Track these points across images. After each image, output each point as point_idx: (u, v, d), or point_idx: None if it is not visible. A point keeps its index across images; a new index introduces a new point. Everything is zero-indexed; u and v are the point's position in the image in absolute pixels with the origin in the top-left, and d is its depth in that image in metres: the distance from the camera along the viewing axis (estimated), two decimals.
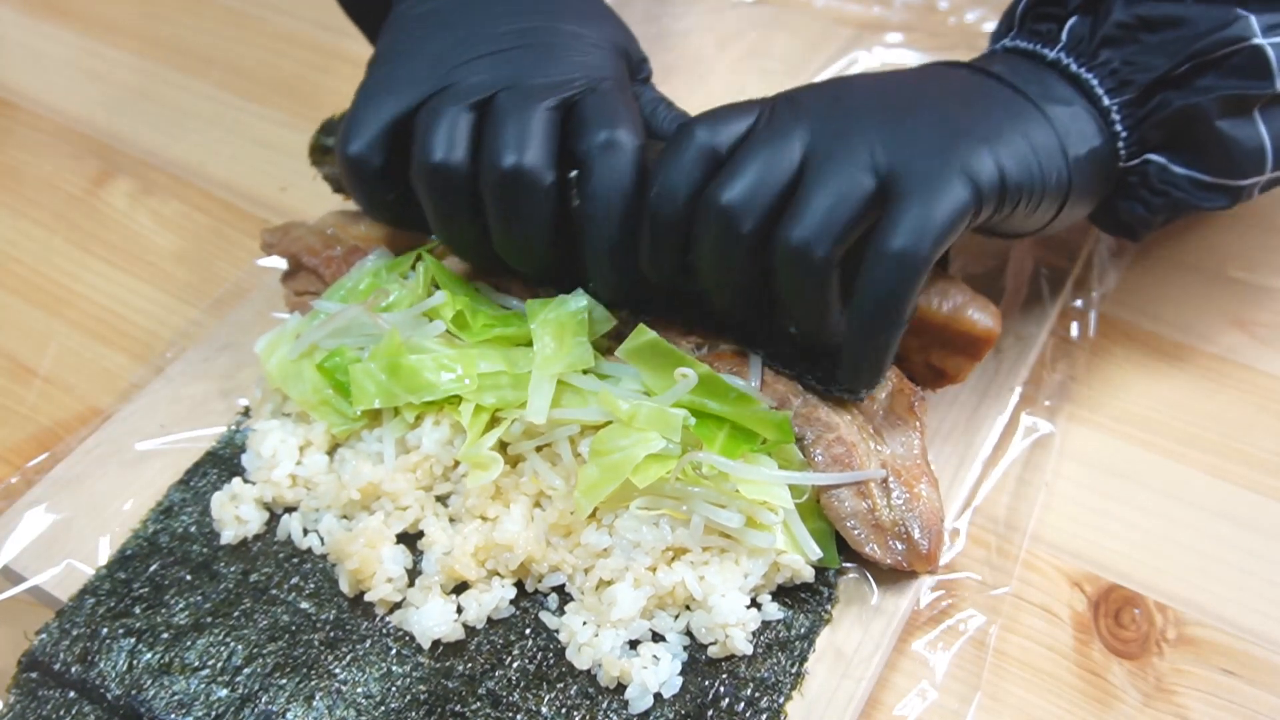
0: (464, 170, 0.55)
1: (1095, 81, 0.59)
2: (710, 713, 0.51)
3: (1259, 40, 0.56)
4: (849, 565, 0.56)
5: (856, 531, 0.54)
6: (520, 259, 0.58)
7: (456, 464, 0.58)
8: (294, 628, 0.55)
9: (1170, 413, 0.66)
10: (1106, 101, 0.58)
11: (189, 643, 0.54)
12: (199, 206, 0.82)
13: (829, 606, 0.55)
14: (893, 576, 0.56)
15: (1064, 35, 0.60)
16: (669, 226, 0.53)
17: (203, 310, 0.74)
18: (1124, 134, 0.59)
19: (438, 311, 0.60)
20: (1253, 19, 0.57)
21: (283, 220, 0.79)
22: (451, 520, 0.58)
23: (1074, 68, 0.59)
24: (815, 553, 0.55)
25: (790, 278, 0.51)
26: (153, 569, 0.57)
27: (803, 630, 0.54)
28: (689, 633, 0.54)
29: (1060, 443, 0.64)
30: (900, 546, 0.54)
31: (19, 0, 1.02)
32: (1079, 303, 0.70)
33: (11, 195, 0.84)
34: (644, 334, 0.56)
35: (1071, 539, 0.60)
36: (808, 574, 0.55)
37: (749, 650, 0.53)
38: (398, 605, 0.56)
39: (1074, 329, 0.69)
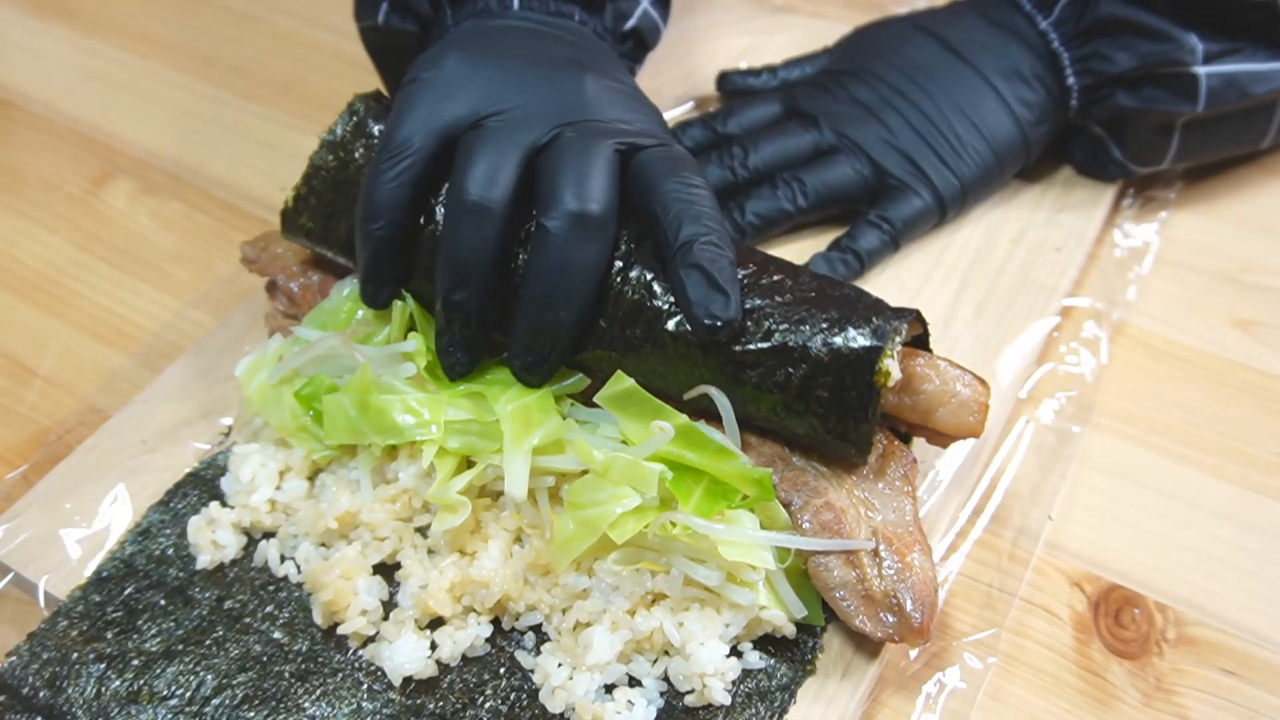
0: (501, 217, 0.54)
1: (1067, 61, 0.72)
2: None
3: (1198, 69, 0.68)
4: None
5: (846, 603, 0.52)
6: (553, 324, 0.55)
7: None
8: (265, 658, 0.54)
9: (1170, 413, 0.66)
10: (1070, 81, 0.72)
11: (159, 670, 0.53)
12: (199, 206, 0.82)
13: (812, 659, 0.54)
14: None
15: (1056, 10, 0.72)
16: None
17: (203, 310, 0.74)
18: (1075, 108, 0.73)
19: (411, 356, 0.58)
20: (1199, 48, 0.68)
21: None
22: (430, 552, 0.57)
23: (1056, 44, 0.72)
24: (800, 611, 0.53)
25: (764, 208, 0.71)
26: (127, 592, 0.56)
27: (784, 681, 0.53)
28: (666, 678, 0.53)
29: (1058, 447, 0.64)
30: (891, 619, 0.52)
31: (19, 0, 1.02)
32: (1088, 333, 0.70)
33: (11, 195, 0.84)
34: (622, 381, 0.54)
35: (1071, 539, 0.60)
36: (790, 630, 0.54)
37: (727, 701, 0.52)
38: (371, 639, 0.55)
39: (1085, 358, 0.68)
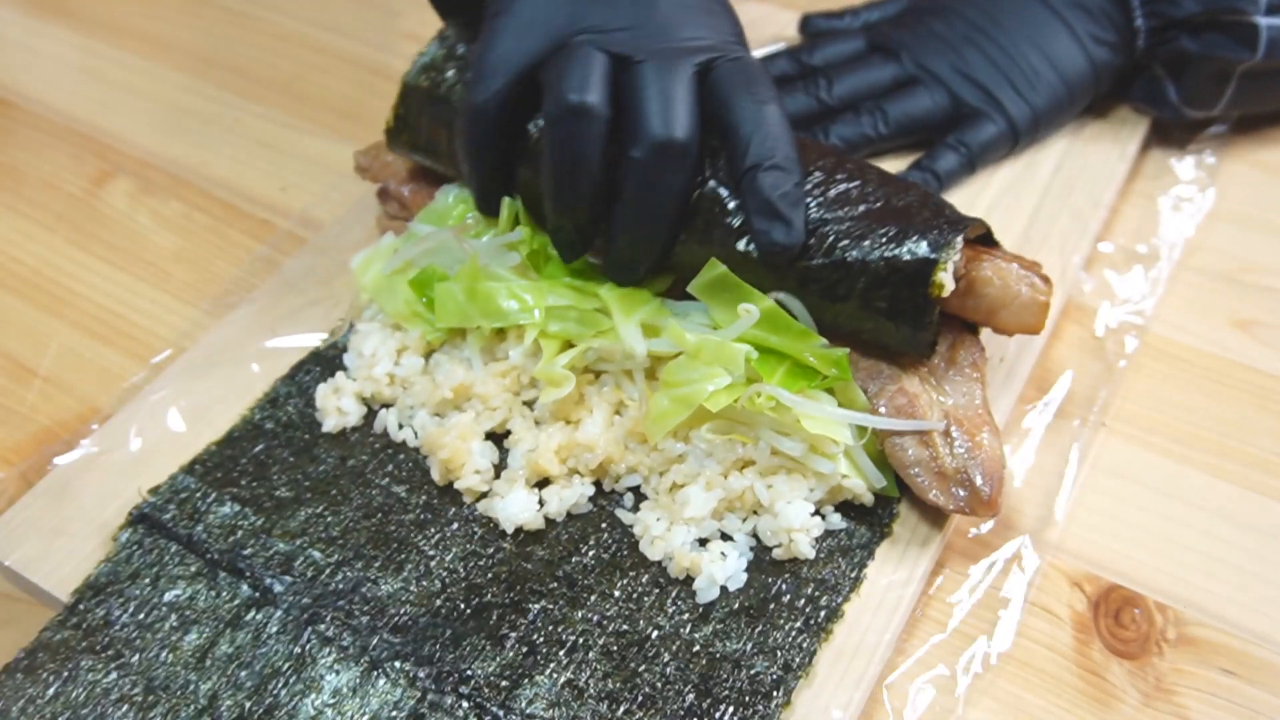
0: (603, 117, 0.56)
1: (1137, 3, 0.75)
2: (772, 606, 0.55)
3: (1259, 19, 0.71)
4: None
5: (920, 479, 0.56)
6: (646, 241, 0.59)
7: None
8: (386, 508, 0.59)
9: (1170, 413, 0.66)
10: (1139, 23, 0.75)
11: (289, 512, 0.59)
12: (199, 206, 0.82)
13: (889, 522, 0.58)
14: None
15: None
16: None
17: (203, 310, 0.74)
18: (1142, 49, 0.76)
19: (516, 246, 0.63)
20: None
21: (283, 220, 0.80)
22: (537, 423, 0.62)
23: None
24: (879, 480, 0.58)
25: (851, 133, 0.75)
26: (257, 449, 0.62)
27: (863, 540, 0.57)
28: (755, 535, 0.58)
29: (1066, 448, 0.64)
30: (963, 493, 0.55)
31: (19, 0, 1.02)
32: (1119, 321, 0.71)
33: (11, 195, 0.84)
34: (715, 268, 0.58)
35: (1071, 539, 0.60)
36: (868, 499, 0.58)
37: (811, 554, 0.57)
38: (484, 495, 0.60)
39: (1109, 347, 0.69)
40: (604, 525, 0.59)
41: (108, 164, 0.86)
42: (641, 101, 0.56)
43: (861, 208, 0.57)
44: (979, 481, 0.55)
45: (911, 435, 0.56)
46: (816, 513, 0.57)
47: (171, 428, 0.64)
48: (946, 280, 0.55)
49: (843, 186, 0.58)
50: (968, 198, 0.75)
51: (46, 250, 0.79)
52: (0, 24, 1.00)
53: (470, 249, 0.63)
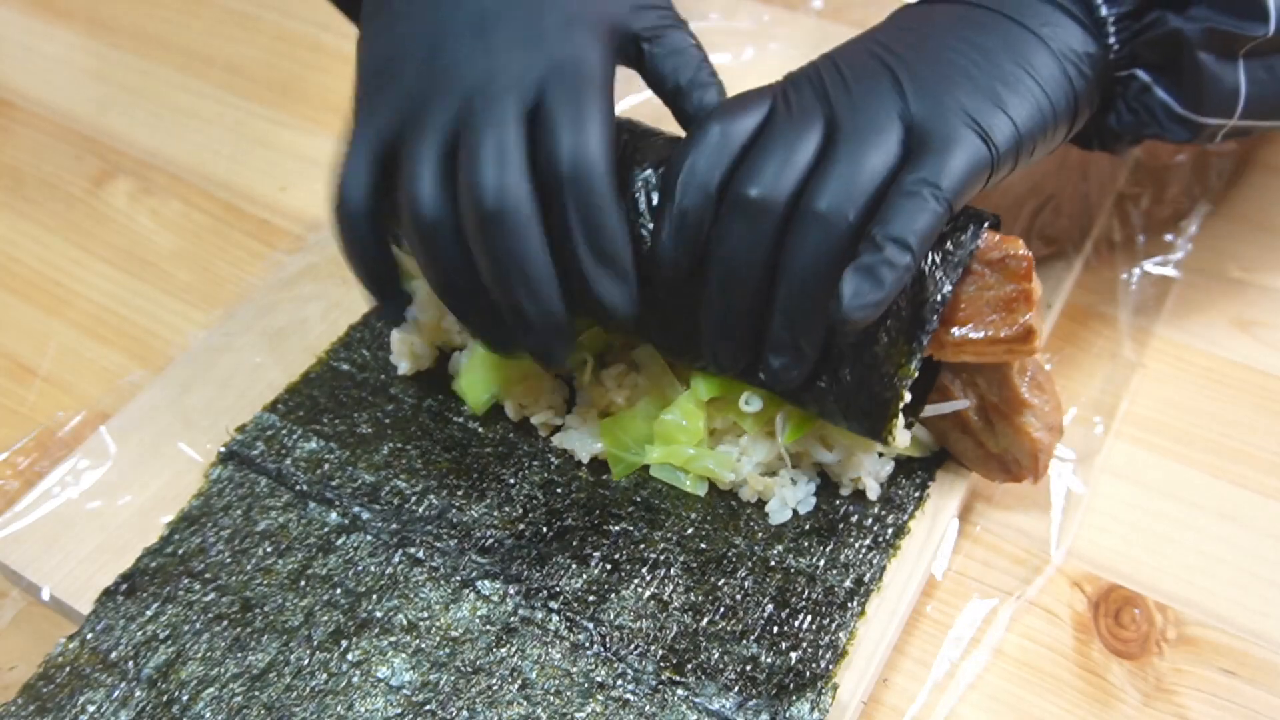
0: (447, 217, 0.51)
1: None
2: (841, 526, 0.58)
3: None
4: None
5: (968, 461, 0.60)
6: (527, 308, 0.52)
7: None
8: (465, 442, 0.62)
9: (1170, 413, 0.66)
10: (1104, 11, 0.57)
11: (372, 447, 0.62)
12: (199, 206, 0.82)
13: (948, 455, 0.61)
14: None
15: None
16: (694, 223, 0.51)
17: (203, 310, 0.74)
18: (1116, 46, 0.58)
19: None
20: None
21: (283, 220, 0.80)
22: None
23: None
24: (934, 445, 0.60)
25: (811, 247, 0.50)
26: (336, 390, 0.65)
27: (924, 461, 0.60)
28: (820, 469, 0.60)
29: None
30: (1009, 471, 0.58)
31: (19, 0, 1.02)
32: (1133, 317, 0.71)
33: (11, 195, 0.84)
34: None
35: (1071, 539, 0.60)
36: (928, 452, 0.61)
37: (877, 495, 0.59)
38: (557, 429, 0.62)
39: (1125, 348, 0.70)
40: None
41: (108, 164, 0.86)
42: (467, 168, 0.50)
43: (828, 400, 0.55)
44: (1025, 462, 0.58)
45: (954, 428, 0.58)
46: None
47: (163, 439, 0.63)
48: (900, 437, 0.54)
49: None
50: None
51: (46, 250, 0.79)
52: (0, 24, 1.00)
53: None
